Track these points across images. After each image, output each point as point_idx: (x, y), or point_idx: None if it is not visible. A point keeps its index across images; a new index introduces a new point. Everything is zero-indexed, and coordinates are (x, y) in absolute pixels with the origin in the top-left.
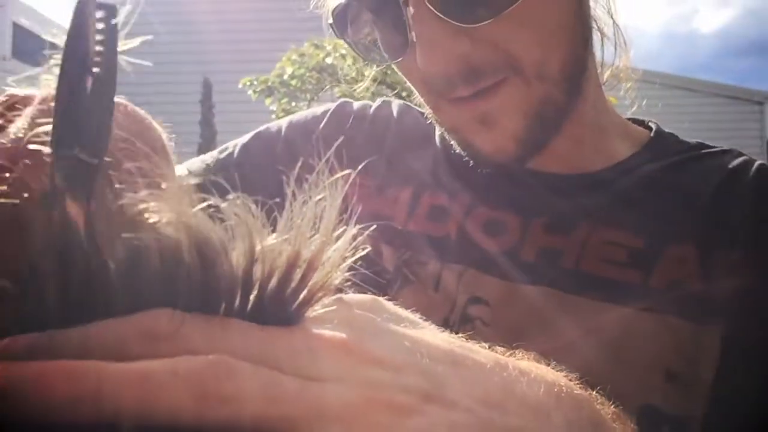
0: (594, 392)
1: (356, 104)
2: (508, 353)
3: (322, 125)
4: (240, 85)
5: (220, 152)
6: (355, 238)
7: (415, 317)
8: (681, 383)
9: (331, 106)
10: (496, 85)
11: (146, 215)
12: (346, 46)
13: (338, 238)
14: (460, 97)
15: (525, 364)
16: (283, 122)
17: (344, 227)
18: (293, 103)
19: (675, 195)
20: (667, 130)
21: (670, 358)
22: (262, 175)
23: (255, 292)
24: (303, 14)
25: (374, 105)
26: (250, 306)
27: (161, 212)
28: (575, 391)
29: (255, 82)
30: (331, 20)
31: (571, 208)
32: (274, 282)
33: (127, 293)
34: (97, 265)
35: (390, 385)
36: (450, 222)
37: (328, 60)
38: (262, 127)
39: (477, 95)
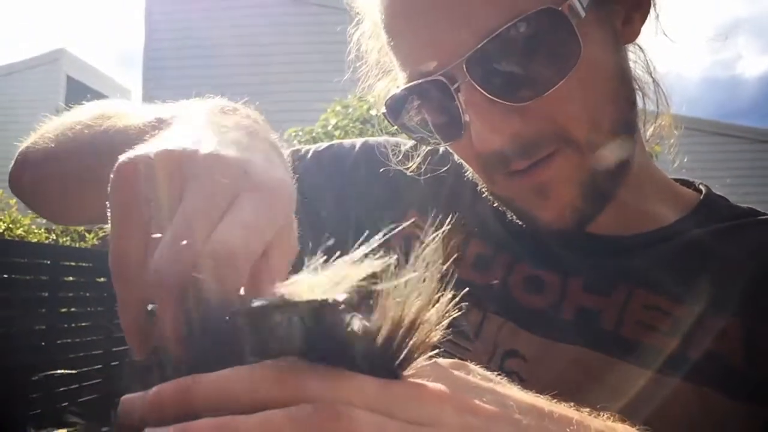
0: None
1: (426, 147)
2: (592, 413)
3: (391, 160)
4: (286, 135)
5: (293, 152)
6: (450, 301)
7: (500, 379)
8: None
9: (407, 143)
10: (549, 156)
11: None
12: None
13: (436, 301)
14: (516, 170)
15: (609, 423)
16: (358, 142)
17: (442, 292)
18: None
19: (720, 264)
20: (703, 175)
21: (706, 431)
22: (327, 183)
23: (366, 348)
24: (348, 68)
25: (441, 149)
26: (361, 359)
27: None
28: None
29: (300, 133)
30: (384, 110)
31: (610, 270)
32: (382, 340)
33: (259, 345)
34: (235, 321)
35: (482, 431)
36: (493, 272)
37: (372, 111)
38: (336, 142)
39: (532, 167)
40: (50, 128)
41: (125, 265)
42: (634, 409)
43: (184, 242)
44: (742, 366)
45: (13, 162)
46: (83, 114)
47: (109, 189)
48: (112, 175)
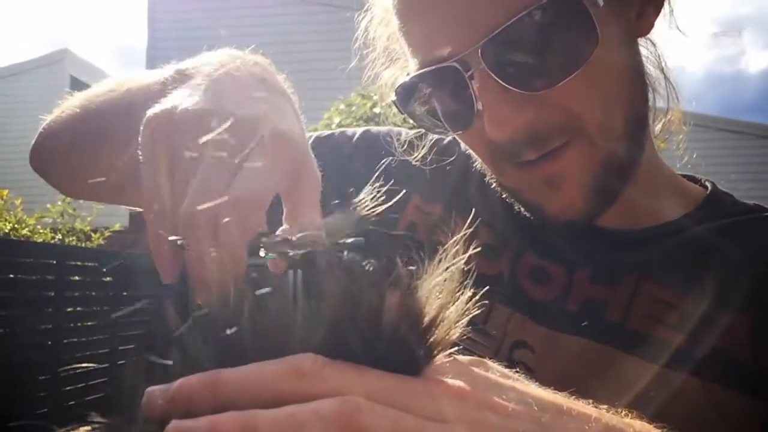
0: None
1: (431, 137)
2: (610, 410)
3: (394, 150)
4: None
5: None
6: (471, 299)
7: (519, 376)
8: None
9: (408, 133)
10: (561, 147)
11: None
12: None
13: (457, 298)
14: (527, 161)
15: (627, 419)
16: (359, 131)
17: (462, 290)
18: None
19: (726, 260)
20: (707, 171)
21: (716, 427)
22: (325, 171)
23: (385, 343)
24: (351, 67)
25: (447, 139)
26: (380, 355)
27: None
28: None
29: None
30: (393, 98)
31: (616, 262)
32: (402, 336)
33: (279, 340)
34: (255, 318)
35: (502, 428)
36: (500, 263)
37: (375, 109)
38: (338, 130)
39: (543, 158)
40: (70, 103)
41: (156, 209)
42: (640, 402)
43: (208, 191)
44: (748, 361)
45: (33, 140)
46: (103, 85)
47: (140, 141)
48: (141, 128)
